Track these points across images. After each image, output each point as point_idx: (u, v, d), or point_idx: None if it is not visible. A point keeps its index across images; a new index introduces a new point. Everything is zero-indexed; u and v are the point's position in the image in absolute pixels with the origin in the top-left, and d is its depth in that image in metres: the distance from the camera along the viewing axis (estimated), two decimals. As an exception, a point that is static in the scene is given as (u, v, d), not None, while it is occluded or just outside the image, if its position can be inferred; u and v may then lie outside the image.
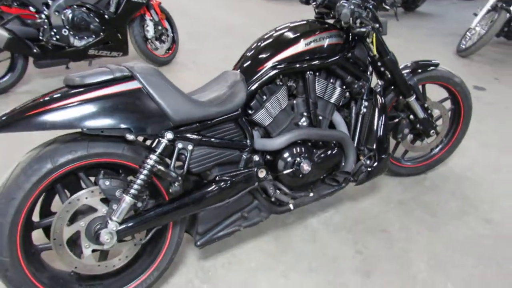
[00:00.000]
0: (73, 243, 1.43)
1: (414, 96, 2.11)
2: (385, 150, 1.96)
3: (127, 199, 1.38)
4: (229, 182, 1.58)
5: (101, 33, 3.40)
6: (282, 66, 1.68)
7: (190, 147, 1.50)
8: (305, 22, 1.82)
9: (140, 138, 1.43)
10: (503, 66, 4.49)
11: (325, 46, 1.76)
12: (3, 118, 1.27)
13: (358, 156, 1.94)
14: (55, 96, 1.32)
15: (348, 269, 1.80)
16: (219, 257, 1.83)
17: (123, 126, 1.35)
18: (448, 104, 2.37)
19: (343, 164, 1.89)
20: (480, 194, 2.33)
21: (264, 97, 1.70)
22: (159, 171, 1.41)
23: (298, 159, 1.73)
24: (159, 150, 1.41)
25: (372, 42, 1.85)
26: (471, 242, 1.98)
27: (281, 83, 1.75)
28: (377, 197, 2.27)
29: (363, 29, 1.75)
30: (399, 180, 2.41)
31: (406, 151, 2.41)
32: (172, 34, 4.00)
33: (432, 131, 2.22)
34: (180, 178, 1.44)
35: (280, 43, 1.72)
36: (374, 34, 1.81)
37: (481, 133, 2.96)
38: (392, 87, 2.10)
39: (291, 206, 1.68)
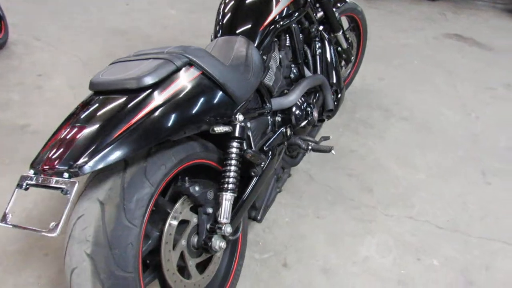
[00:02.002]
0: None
1: (342, 30, 2.37)
2: (341, 81, 2.20)
3: (228, 196, 1.26)
4: (275, 148, 1.57)
5: None
6: (280, 21, 1.67)
7: (249, 124, 1.42)
8: None
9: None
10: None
11: None
12: (82, 152, 0.97)
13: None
14: (127, 107, 1.06)
15: (354, 191, 2.06)
16: (254, 227, 1.83)
17: (203, 120, 1.20)
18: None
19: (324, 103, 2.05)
20: (386, 99, 2.86)
21: (265, 57, 1.68)
22: (252, 157, 1.32)
23: (308, 108, 1.81)
24: (238, 135, 1.30)
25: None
26: (406, 137, 2.48)
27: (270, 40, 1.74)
28: (324, 126, 2.54)
29: None
30: (328, 107, 2.73)
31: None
32: (-4, 9, 3.16)
33: (353, 57, 2.55)
34: (265, 157, 1.38)
35: (268, -1, 1.68)
36: None
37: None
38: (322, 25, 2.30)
39: (333, 151, 1.78)
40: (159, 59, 1.17)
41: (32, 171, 1.02)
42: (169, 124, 1.10)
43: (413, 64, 3.40)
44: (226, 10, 1.71)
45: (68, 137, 1.03)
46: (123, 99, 1.08)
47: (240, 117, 1.32)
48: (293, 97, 1.71)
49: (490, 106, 2.87)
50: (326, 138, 1.83)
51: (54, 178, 0.97)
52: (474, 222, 1.93)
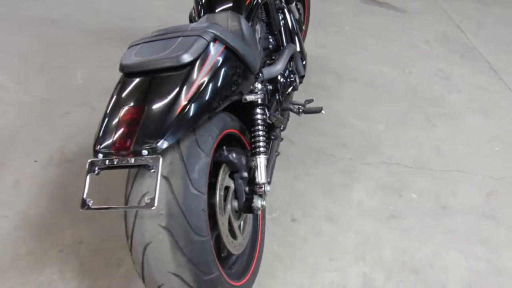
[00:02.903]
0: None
1: (295, 1, 2.52)
2: (304, 48, 2.36)
3: (262, 158, 1.37)
4: (277, 112, 1.70)
5: None
6: None
7: None
8: None
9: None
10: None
11: None
12: (154, 130, 1.02)
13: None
14: (180, 84, 1.11)
15: (331, 148, 2.28)
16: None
17: (236, 91, 1.29)
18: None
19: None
20: (332, 64, 3.10)
21: None
22: (276, 120, 1.43)
23: (291, 75, 1.95)
24: (262, 102, 1.41)
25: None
26: (360, 96, 2.76)
27: None
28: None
29: None
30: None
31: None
32: None
33: (303, 25, 2.73)
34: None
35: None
36: None
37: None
38: None
39: (323, 111, 1.93)
40: (191, 36, 1.21)
41: (100, 155, 1.03)
42: (216, 96, 1.18)
43: (345, 30, 3.69)
44: None
45: (129, 118, 1.06)
46: (171, 77, 1.13)
47: (259, 85, 1.42)
48: (280, 66, 1.83)
49: (417, 61, 3.25)
50: (310, 101, 1.99)
51: (132, 158, 1.00)
52: (433, 159, 2.26)
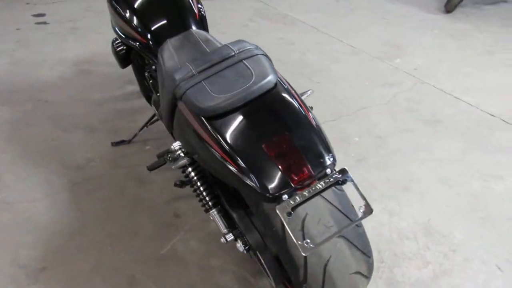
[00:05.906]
0: None
1: None
2: None
3: None
4: None
5: None
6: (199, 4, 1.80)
7: None
8: None
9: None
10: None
11: None
12: (317, 150, 1.05)
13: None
14: (294, 103, 1.14)
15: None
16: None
17: None
18: None
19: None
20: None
21: None
22: None
23: None
24: None
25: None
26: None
27: None
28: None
29: None
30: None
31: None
32: None
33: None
34: None
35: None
36: None
37: None
38: None
39: None
40: (252, 56, 1.21)
41: (285, 196, 0.99)
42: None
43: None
44: (148, 17, 1.65)
45: (283, 149, 1.03)
46: (272, 98, 1.14)
47: None
48: None
49: (259, 37, 3.65)
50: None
51: (322, 181, 1.00)
52: (324, 107, 2.71)
